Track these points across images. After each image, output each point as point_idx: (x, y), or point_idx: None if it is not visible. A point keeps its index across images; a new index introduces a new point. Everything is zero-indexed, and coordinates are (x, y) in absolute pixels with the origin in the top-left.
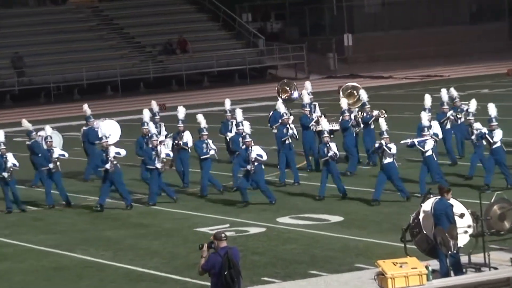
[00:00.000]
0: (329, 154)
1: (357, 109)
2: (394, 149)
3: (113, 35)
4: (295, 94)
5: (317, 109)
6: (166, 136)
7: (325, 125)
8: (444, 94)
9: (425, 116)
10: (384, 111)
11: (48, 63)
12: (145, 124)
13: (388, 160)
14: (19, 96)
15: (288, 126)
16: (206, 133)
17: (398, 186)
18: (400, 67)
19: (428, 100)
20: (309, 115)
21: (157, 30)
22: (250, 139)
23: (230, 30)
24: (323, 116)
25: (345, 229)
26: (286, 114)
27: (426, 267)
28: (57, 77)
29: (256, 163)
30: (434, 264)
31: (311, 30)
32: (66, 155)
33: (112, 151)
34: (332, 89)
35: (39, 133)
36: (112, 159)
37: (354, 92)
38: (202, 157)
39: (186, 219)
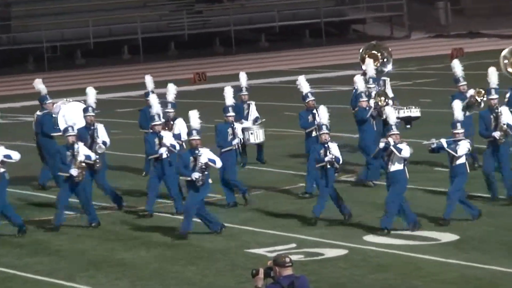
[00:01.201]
0: (326, 159)
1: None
2: (406, 151)
3: None
4: (389, 66)
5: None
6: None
7: (323, 116)
8: None
9: (458, 106)
10: (482, 91)
11: (40, 13)
12: (89, 109)
13: (396, 166)
14: None
15: (315, 112)
16: (160, 122)
17: (404, 209)
18: None
19: (494, 76)
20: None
21: None
22: (198, 137)
23: None
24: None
25: (460, 251)
26: (311, 95)
27: None
28: (52, 34)
29: (206, 172)
30: None
31: None
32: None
33: (0, 153)
34: (443, 53)
35: None
36: None
37: None
38: (150, 157)
39: (234, 236)
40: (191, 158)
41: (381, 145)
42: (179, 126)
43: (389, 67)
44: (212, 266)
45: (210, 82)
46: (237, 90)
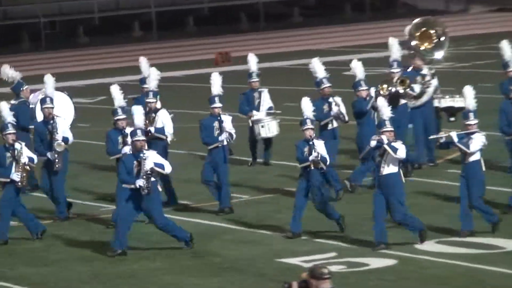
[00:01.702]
0: (310, 158)
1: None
2: (402, 151)
3: None
4: (441, 53)
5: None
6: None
7: (306, 107)
8: None
9: (470, 92)
10: None
11: None
12: (47, 101)
13: (390, 169)
14: None
15: (332, 100)
16: (123, 116)
17: (401, 218)
18: None
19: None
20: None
21: None
22: (142, 137)
23: None
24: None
25: None
26: (327, 81)
27: None
28: (50, 7)
29: (152, 179)
30: None
31: None
32: None
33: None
34: (506, 30)
35: None
36: None
37: None
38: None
39: (262, 243)
40: (135, 162)
41: (373, 143)
42: (163, 118)
43: (438, 55)
44: (237, 278)
45: (235, 63)
46: (248, 75)
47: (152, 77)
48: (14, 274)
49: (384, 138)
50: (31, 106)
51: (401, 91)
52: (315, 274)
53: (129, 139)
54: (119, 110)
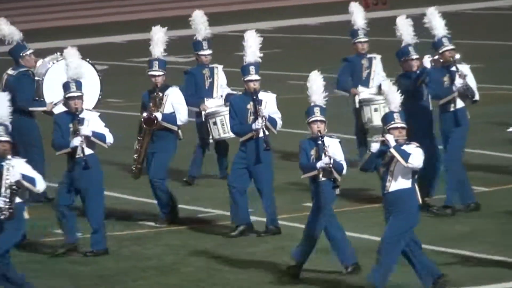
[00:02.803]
0: (318, 164)
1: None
2: (415, 158)
3: None
4: None
5: None
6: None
7: (314, 87)
8: None
9: None
10: None
11: None
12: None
13: (400, 183)
14: None
15: (455, 69)
16: (78, 93)
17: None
18: None
19: None
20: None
21: None
22: (6, 137)
23: None
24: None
25: None
26: (448, 42)
27: None
28: None
29: (19, 200)
30: None
31: None
32: None
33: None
34: None
35: None
36: None
37: None
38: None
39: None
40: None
41: (374, 146)
42: (172, 100)
43: None
44: None
45: (393, 7)
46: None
47: (157, 38)
48: None
49: (390, 138)
50: (36, 78)
51: None
52: None
53: (83, 126)
54: (72, 84)
